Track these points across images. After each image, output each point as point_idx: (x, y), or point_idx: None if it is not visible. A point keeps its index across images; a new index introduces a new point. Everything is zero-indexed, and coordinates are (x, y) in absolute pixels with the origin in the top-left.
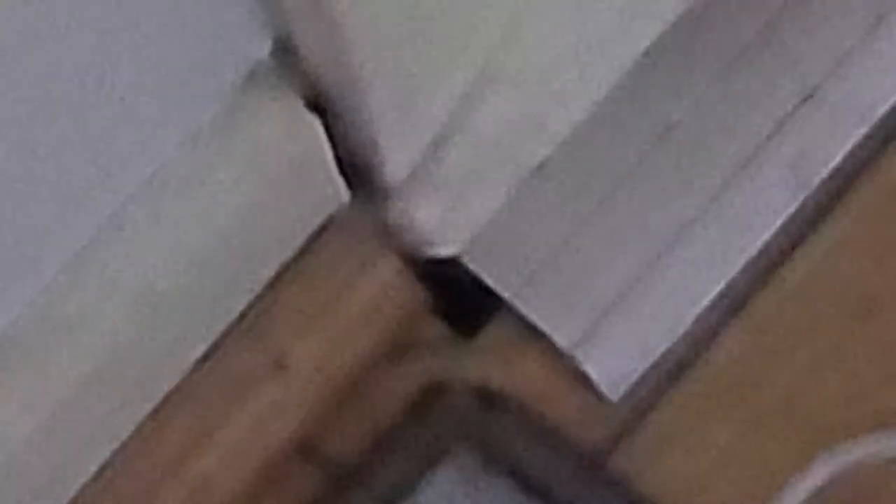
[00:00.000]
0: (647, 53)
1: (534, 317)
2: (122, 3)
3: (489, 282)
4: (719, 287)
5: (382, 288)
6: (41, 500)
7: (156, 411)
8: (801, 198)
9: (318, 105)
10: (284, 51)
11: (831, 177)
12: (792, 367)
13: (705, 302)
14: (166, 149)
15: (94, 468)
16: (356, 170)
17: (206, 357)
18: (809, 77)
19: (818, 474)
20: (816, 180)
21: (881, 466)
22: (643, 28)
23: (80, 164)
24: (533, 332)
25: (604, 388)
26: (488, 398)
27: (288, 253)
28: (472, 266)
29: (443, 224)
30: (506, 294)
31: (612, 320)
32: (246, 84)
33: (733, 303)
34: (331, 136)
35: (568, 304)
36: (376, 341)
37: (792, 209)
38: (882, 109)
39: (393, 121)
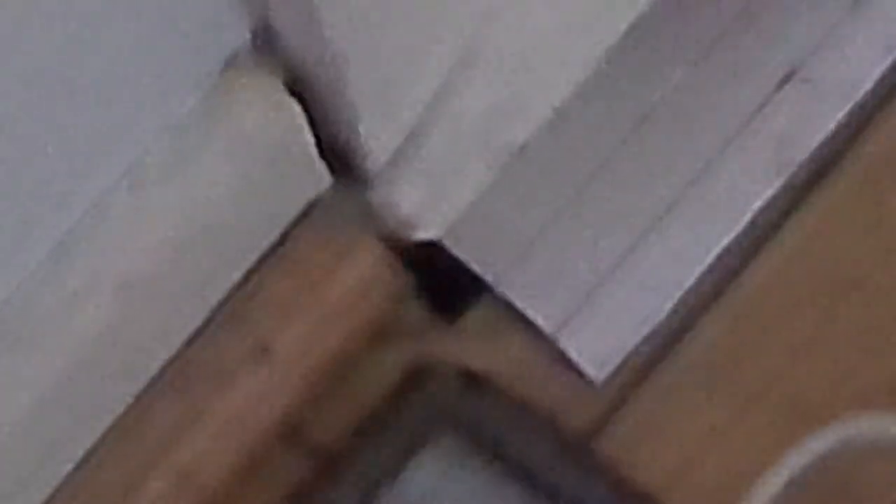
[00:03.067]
0: (626, 35)
1: (517, 300)
2: None
3: (471, 265)
4: (702, 269)
5: (365, 272)
6: (26, 487)
7: (140, 398)
8: (783, 178)
9: (299, 90)
10: (264, 37)
11: (814, 156)
12: (775, 348)
13: (688, 284)
14: (147, 137)
15: (78, 456)
16: (337, 155)
17: (189, 344)
18: (791, 56)
19: (803, 456)
20: (799, 160)
21: (865, 448)
22: (622, 10)
23: (59, 153)
24: (516, 316)
25: (587, 371)
26: (472, 381)
27: (270, 239)
28: (454, 250)
29: (424, 208)
30: (488, 277)
31: (595, 303)
32: (226, 71)
33: (716, 284)
34: (311, 122)
35: (550, 287)
36: (359, 326)
37: (774, 190)
38: (864, 88)
39: (373, 105)
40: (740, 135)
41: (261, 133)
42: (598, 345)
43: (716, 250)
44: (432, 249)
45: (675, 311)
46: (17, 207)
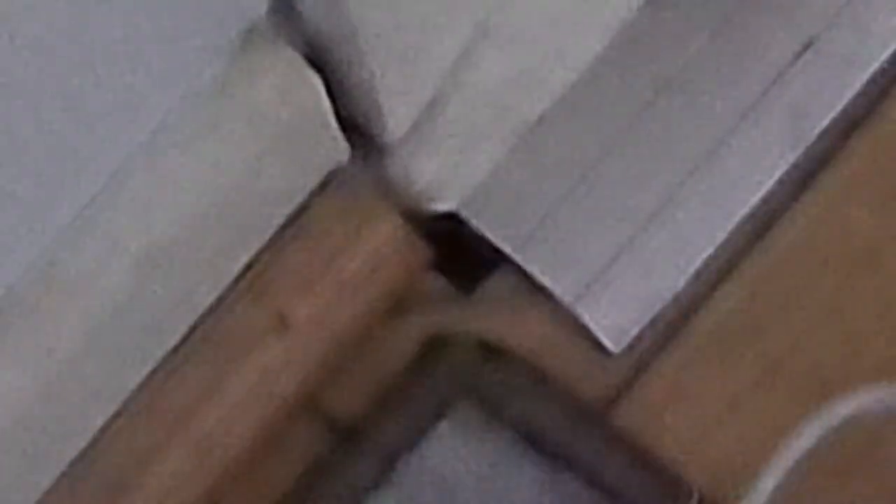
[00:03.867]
0: (645, 6)
1: (535, 271)
2: None
3: (490, 236)
4: (720, 239)
5: (383, 244)
6: (46, 459)
7: (158, 370)
8: (800, 149)
9: (318, 61)
10: (283, 7)
11: (830, 127)
12: (793, 318)
13: (706, 254)
14: (165, 107)
15: (97, 427)
16: (356, 126)
17: (207, 315)
18: (807, 27)
19: (820, 426)
20: (815, 131)
21: (882, 418)
22: None
23: (78, 122)
24: (534, 286)
25: (605, 342)
26: (490, 352)
27: (288, 210)
28: (472, 221)
29: (443, 179)
30: (506, 248)
31: (613, 273)
32: (245, 41)
33: (734, 255)
34: (330, 93)
35: (568, 258)
36: (378, 297)
37: (791, 160)
38: (881, 58)
39: (392, 76)
40: (756, 106)
41: (279, 104)
42: (617, 315)
43: (733, 221)
44: (450, 221)
45: (692, 281)
46: (37, 177)
